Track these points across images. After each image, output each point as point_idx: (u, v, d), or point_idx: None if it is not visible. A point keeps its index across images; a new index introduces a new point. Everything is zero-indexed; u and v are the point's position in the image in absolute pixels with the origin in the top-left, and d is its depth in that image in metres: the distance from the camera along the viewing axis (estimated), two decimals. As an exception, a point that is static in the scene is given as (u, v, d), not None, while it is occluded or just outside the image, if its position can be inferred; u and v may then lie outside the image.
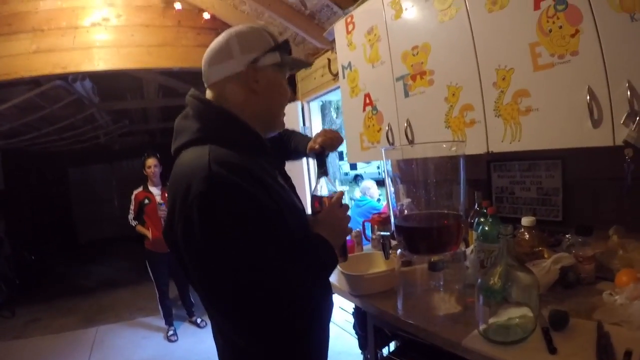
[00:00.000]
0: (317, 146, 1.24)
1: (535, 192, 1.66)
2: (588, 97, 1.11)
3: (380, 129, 1.92)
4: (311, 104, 3.57)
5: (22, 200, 6.62)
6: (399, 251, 1.30)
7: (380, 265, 1.63)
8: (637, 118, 1.02)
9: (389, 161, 1.28)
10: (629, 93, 1.03)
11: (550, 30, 1.20)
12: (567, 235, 1.41)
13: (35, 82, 3.20)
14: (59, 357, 3.57)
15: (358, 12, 2.03)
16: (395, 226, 1.24)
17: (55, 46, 2.85)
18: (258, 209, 0.77)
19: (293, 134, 1.40)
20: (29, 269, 5.84)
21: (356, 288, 1.53)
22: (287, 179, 1.05)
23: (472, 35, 1.43)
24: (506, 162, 1.75)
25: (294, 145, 1.36)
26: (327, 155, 1.23)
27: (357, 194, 4.62)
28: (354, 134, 2.14)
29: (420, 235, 1.18)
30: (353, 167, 15.73)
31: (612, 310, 1.07)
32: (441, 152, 1.15)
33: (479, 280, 1.10)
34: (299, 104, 3.55)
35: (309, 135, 1.49)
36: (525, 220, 1.41)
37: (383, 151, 1.24)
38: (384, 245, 1.36)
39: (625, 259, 1.26)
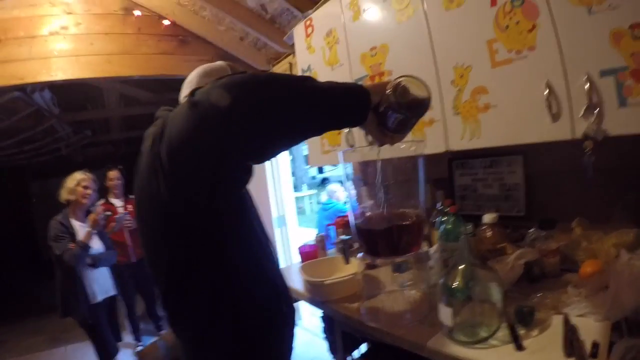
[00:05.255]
0: None
1: (498, 189, 1.61)
2: (546, 92, 1.07)
3: (341, 131, 1.83)
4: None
5: (-20, 218, 6.13)
6: (360, 255, 1.21)
7: (344, 269, 1.54)
8: (596, 111, 0.99)
9: (350, 164, 1.20)
10: (587, 86, 0.99)
11: (507, 26, 1.16)
12: (530, 230, 1.36)
13: (-8, 94, 2.97)
14: (29, 380, 3.25)
15: (317, 15, 1.95)
16: (355, 229, 1.16)
17: (12, 57, 2.63)
18: None
19: None
20: (-9, 289, 5.37)
21: (319, 294, 1.44)
22: None
23: (429, 34, 1.37)
24: (467, 159, 1.70)
25: None
26: None
27: (324, 197, 4.54)
28: (314, 138, 2.01)
29: (379, 237, 1.11)
30: (320, 170, 15.73)
31: (578, 302, 1.04)
32: (401, 152, 1.08)
33: (441, 281, 1.05)
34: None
35: None
36: (487, 217, 1.36)
37: (341, 154, 1.15)
38: (343, 250, 1.27)
39: (589, 250, 1.22)
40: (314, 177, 15.70)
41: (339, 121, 0.83)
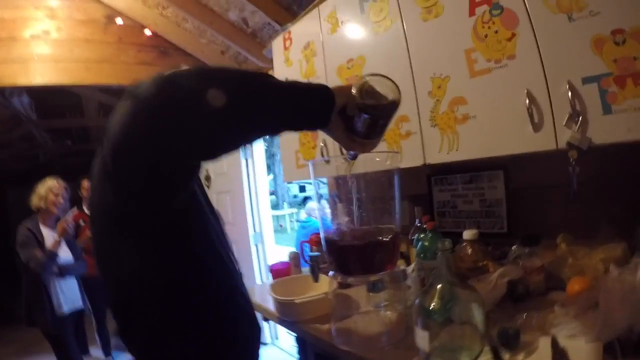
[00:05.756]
0: None
1: (478, 205, 1.54)
2: (527, 101, 1.02)
3: (315, 145, 1.76)
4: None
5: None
6: (331, 273, 1.11)
7: (317, 288, 1.43)
8: (580, 118, 0.93)
9: (324, 178, 1.12)
10: (570, 94, 0.94)
11: (486, 36, 1.11)
12: (513, 247, 1.28)
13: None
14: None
15: (295, 28, 1.91)
16: (325, 245, 1.06)
17: (-7, 58, 2.57)
18: None
19: None
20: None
21: (289, 314, 1.33)
22: None
23: (407, 45, 1.33)
24: (447, 175, 1.63)
25: None
26: None
27: (303, 215, 4.46)
28: (289, 152, 1.97)
29: (351, 254, 1.01)
30: (302, 189, 15.62)
31: (567, 322, 0.94)
32: (376, 166, 1.02)
33: (417, 301, 0.95)
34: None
35: None
36: (467, 234, 1.27)
37: (311, 165, 1.07)
38: (312, 268, 1.16)
39: (576, 266, 1.14)
40: (295, 196, 15.59)
41: (299, 121, 0.75)
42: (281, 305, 1.33)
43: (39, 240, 2.51)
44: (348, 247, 1.02)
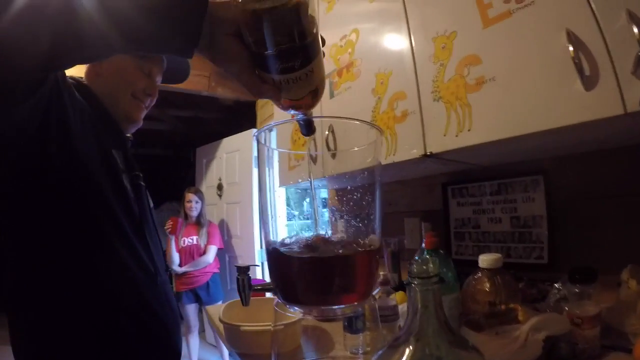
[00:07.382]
0: None
1: (509, 224, 1.12)
2: (571, 47, 0.66)
3: (306, 142, 1.45)
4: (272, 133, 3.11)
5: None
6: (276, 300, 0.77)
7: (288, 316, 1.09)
8: None
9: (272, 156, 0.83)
10: (635, 28, 0.59)
11: None
12: (556, 285, 0.89)
13: None
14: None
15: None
16: (267, 257, 0.74)
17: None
18: None
19: None
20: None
21: (233, 343, 1.02)
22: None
23: (404, 7, 1.02)
24: (468, 184, 1.23)
25: None
26: None
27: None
28: (281, 153, 1.67)
29: (300, 270, 0.66)
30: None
31: None
32: (356, 162, 0.74)
33: None
34: (254, 132, 3.10)
35: None
36: (486, 260, 0.87)
37: (254, 133, 0.76)
38: (238, 285, 0.82)
39: None
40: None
41: (145, 31, 0.45)
42: (226, 329, 1.03)
43: None
44: (298, 262, 0.68)
